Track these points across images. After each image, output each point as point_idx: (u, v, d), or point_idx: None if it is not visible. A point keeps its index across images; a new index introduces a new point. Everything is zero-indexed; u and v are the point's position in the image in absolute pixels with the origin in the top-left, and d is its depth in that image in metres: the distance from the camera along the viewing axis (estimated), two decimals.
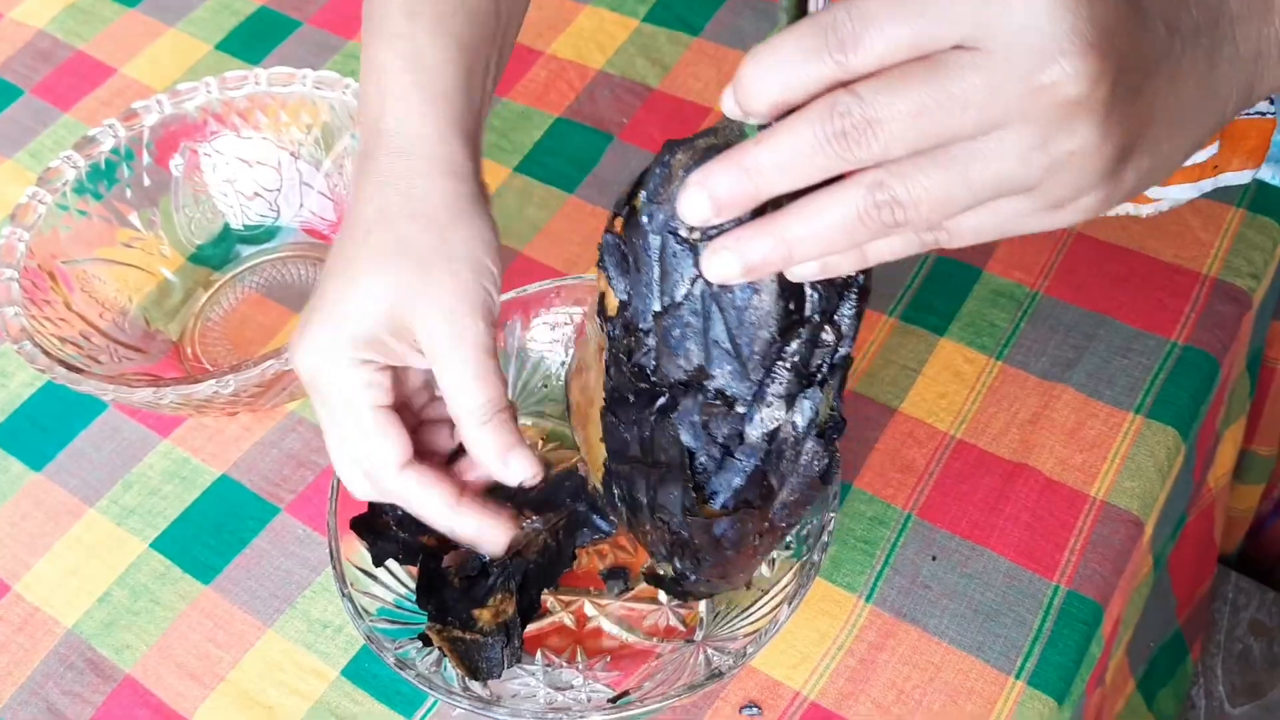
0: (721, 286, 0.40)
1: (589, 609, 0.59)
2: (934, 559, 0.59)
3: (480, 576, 0.59)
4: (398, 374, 0.50)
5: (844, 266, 0.37)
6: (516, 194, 0.77)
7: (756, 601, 0.56)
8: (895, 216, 0.33)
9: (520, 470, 0.49)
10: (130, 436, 0.70)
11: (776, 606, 0.54)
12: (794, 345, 0.42)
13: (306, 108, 0.74)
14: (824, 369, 0.43)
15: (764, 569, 0.58)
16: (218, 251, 0.77)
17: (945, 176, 0.32)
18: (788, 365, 0.42)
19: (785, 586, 0.55)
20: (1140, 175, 0.34)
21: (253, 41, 0.90)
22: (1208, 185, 0.66)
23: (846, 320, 0.42)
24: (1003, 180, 0.32)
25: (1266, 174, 0.70)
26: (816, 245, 0.34)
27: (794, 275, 0.38)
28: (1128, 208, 0.68)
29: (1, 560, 0.66)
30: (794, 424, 0.44)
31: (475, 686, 0.54)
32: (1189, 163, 0.63)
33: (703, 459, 0.45)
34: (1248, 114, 0.63)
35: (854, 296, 0.42)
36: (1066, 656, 0.56)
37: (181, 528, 0.66)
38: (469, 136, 0.50)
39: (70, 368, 0.63)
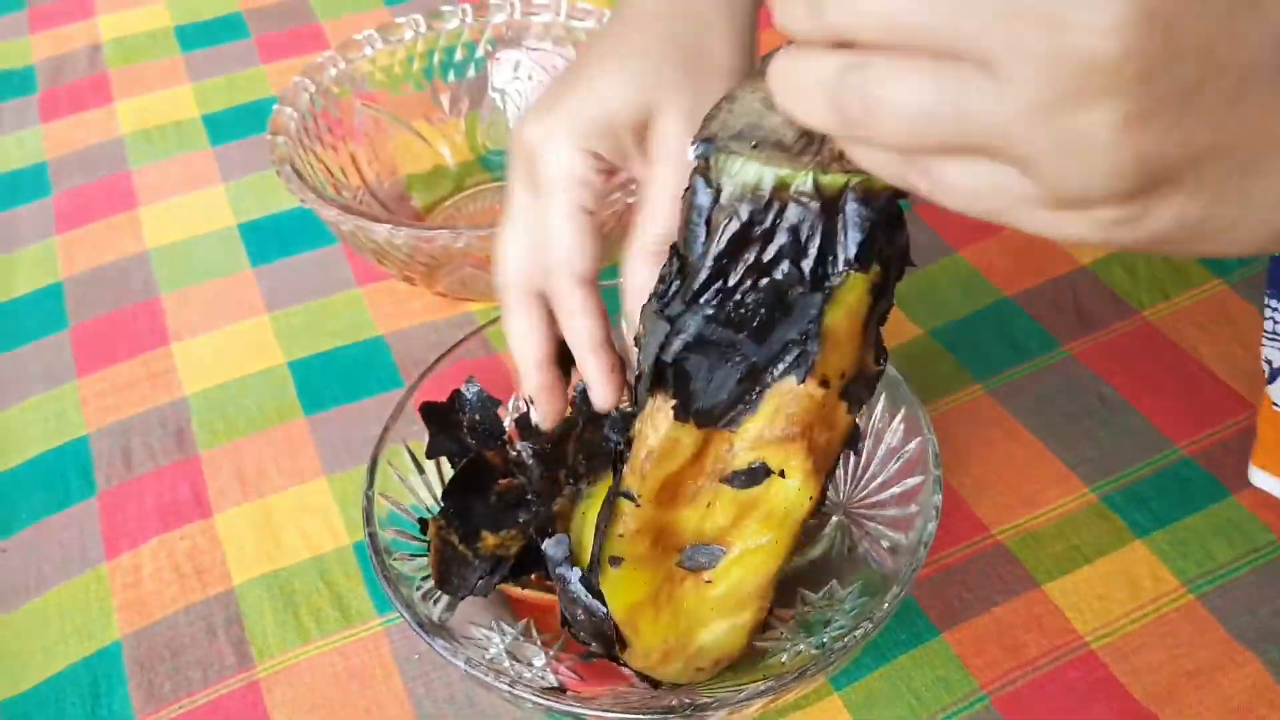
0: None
1: None
2: None
3: (515, 506, 0.55)
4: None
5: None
6: None
7: (760, 685, 0.48)
8: (859, 112, 0.26)
9: None
10: (335, 275, 0.73)
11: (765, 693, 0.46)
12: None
13: None
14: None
15: (783, 656, 0.49)
16: (504, 161, 0.78)
17: (929, 89, 0.24)
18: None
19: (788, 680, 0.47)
20: (1182, 219, 0.25)
21: None
22: None
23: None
24: (993, 126, 0.24)
25: None
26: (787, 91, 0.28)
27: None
28: None
29: (176, 322, 0.70)
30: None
31: (424, 606, 0.49)
32: None
33: None
34: None
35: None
36: None
37: (322, 360, 0.67)
38: None
39: (305, 182, 0.66)
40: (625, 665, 0.47)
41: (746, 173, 0.34)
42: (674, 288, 0.37)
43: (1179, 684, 0.49)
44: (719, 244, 0.35)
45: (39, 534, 0.59)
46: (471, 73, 0.78)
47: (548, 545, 0.47)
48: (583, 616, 0.46)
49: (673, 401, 0.38)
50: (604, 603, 0.45)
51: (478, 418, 0.57)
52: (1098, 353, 0.63)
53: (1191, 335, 0.63)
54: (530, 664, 0.51)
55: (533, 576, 0.54)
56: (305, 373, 0.66)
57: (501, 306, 0.47)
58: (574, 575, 0.46)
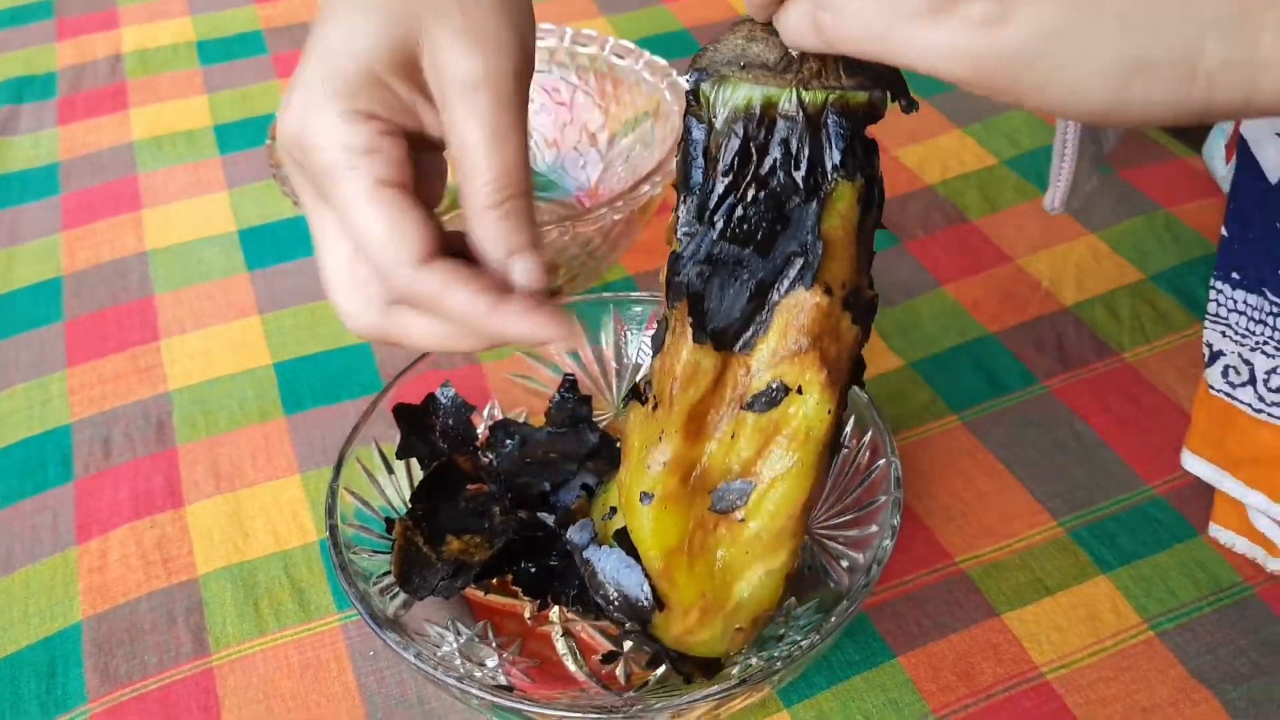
0: None
1: (554, 613, 0.53)
2: None
3: (482, 513, 0.55)
4: (423, 164, 0.39)
5: None
6: None
7: (705, 690, 0.48)
8: None
9: (526, 278, 0.37)
10: None
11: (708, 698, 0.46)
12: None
13: (630, 87, 0.75)
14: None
15: (734, 669, 0.49)
16: None
17: None
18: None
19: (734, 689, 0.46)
20: (1039, 26, 0.27)
21: None
22: None
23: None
24: None
25: None
26: None
27: None
28: (1259, 554, 0.52)
29: (168, 319, 0.71)
30: None
31: (381, 601, 0.50)
32: None
33: None
34: None
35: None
36: None
37: (308, 363, 0.68)
38: None
39: None
40: (659, 643, 0.46)
41: (738, 96, 0.38)
42: (682, 216, 0.40)
43: (1134, 719, 0.48)
44: (724, 162, 0.38)
45: (12, 516, 0.60)
46: None
47: (571, 531, 0.48)
48: (615, 594, 0.46)
49: (689, 321, 0.40)
50: (639, 559, 0.45)
51: (451, 422, 0.57)
52: (1076, 390, 0.63)
53: (1170, 378, 0.63)
54: (483, 664, 0.51)
55: (495, 580, 0.54)
56: (290, 374, 0.67)
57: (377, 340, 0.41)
58: (603, 553, 0.46)
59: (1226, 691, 0.49)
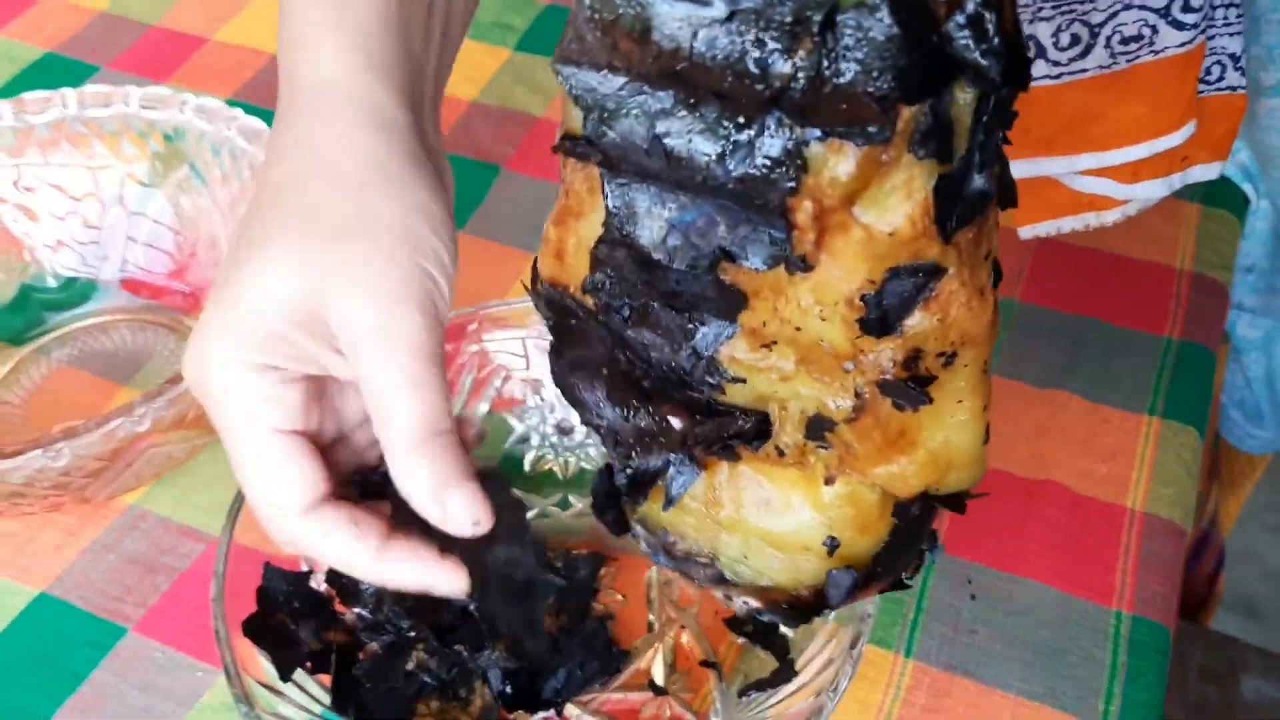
0: None
1: (569, 707, 0.46)
2: (973, 598, 0.50)
3: (409, 675, 0.45)
4: (324, 391, 0.38)
5: None
6: None
7: (785, 681, 0.45)
8: None
9: (461, 514, 0.35)
10: None
11: (810, 686, 0.43)
12: None
13: (130, 135, 0.60)
14: None
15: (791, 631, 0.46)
16: (16, 320, 0.60)
17: None
18: None
19: (818, 658, 0.44)
20: None
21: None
22: (1177, 181, 0.58)
23: None
24: None
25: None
26: None
27: None
28: (1089, 218, 0.60)
29: None
30: None
31: None
32: (1158, 149, 0.57)
33: None
34: (1218, 88, 0.58)
35: None
36: (1149, 693, 0.47)
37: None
38: (403, 84, 0.38)
39: None
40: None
41: None
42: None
43: (1040, 441, 0.55)
44: None
45: None
46: None
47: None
48: None
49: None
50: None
51: (297, 605, 0.46)
52: None
53: None
54: None
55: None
56: None
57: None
58: None
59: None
